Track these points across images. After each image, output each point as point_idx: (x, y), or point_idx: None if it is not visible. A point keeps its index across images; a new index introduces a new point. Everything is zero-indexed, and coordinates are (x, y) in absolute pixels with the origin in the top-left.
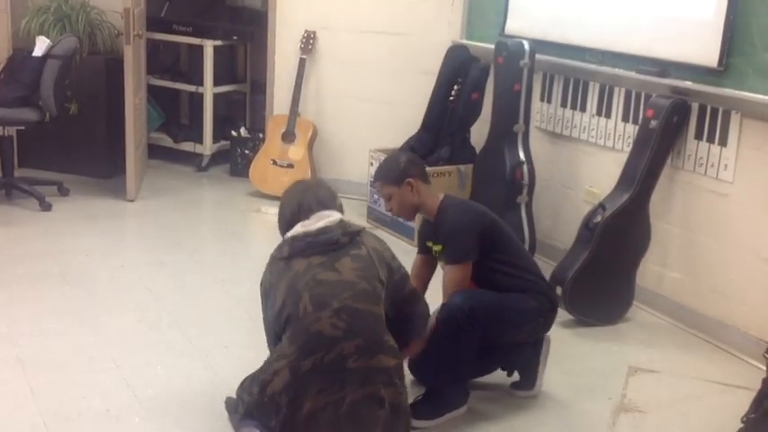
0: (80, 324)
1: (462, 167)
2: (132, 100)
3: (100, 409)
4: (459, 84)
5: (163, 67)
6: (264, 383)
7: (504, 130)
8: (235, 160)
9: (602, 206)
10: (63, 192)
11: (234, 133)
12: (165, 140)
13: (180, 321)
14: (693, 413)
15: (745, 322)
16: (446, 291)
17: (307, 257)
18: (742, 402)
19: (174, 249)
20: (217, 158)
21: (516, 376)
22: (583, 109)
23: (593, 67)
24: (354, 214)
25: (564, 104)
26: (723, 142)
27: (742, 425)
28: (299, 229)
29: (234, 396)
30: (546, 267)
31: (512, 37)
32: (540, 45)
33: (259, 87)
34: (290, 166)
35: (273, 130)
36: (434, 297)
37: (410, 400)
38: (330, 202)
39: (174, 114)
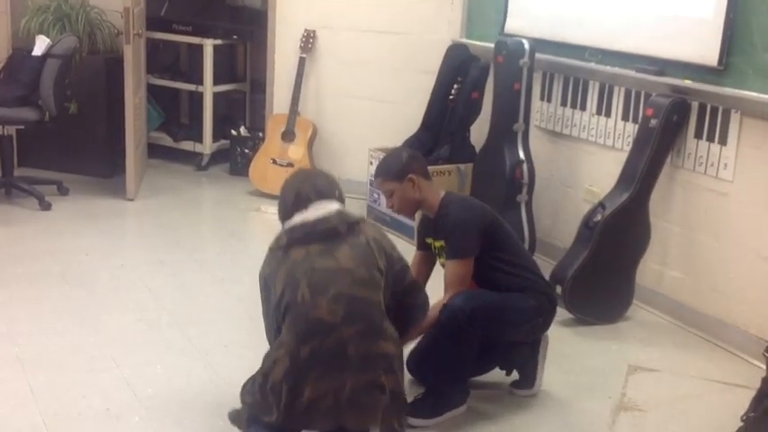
0: (80, 323)
1: (462, 166)
2: (132, 99)
3: (100, 408)
4: (459, 83)
5: (163, 66)
6: (265, 375)
7: (504, 129)
8: (234, 159)
9: (601, 205)
10: (63, 191)
11: (234, 132)
12: (165, 140)
13: (180, 320)
14: (693, 412)
15: (745, 321)
16: (448, 286)
17: (305, 246)
18: (742, 401)
19: (173, 248)
20: (216, 158)
21: (516, 375)
22: (582, 108)
23: (592, 66)
24: None
25: (564, 103)
26: (723, 141)
27: (742, 423)
28: (296, 219)
29: (235, 409)
30: (546, 266)
31: (511, 36)
32: (539, 44)
33: (259, 86)
34: (290, 165)
35: (273, 130)
36: (433, 294)
37: (409, 399)
38: (329, 192)
39: (173, 113)
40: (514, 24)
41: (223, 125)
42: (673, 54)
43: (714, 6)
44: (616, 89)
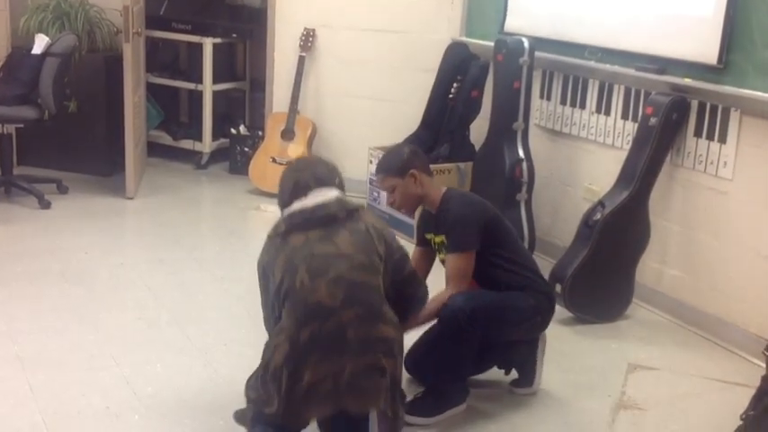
0: (79, 322)
1: (462, 165)
2: (131, 98)
3: (99, 406)
4: (459, 81)
5: (162, 64)
6: (266, 363)
7: (504, 128)
8: (234, 158)
9: (601, 203)
10: (62, 189)
11: (233, 131)
12: (165, 138)
13: (179, 319)
14: (693, 410)
15: (745, 319)
16: (449, 280)
17: (304, 232)
18: (741, 399)
19: (173, 247)
20: (216, 156)
21: (515, 374)
22: (582, 106)
23: (592, 64)
24: None
25: (563, 102)
26: (722, 139)
27: (741, 422)
28: (295, 206)
29: (240, 409)
30: (545, 265)
31: (511, 34)
32: (539, 42)
33: (258, 85)
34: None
35: (273, 128)
36: (433, 290)
37: (409, 398)
38: (328, 179)
39: (173, 112)
40: (514, 23)
41: (222, 124)
42: (672, 52)
43: (714, 4)
44: (616, 87)
